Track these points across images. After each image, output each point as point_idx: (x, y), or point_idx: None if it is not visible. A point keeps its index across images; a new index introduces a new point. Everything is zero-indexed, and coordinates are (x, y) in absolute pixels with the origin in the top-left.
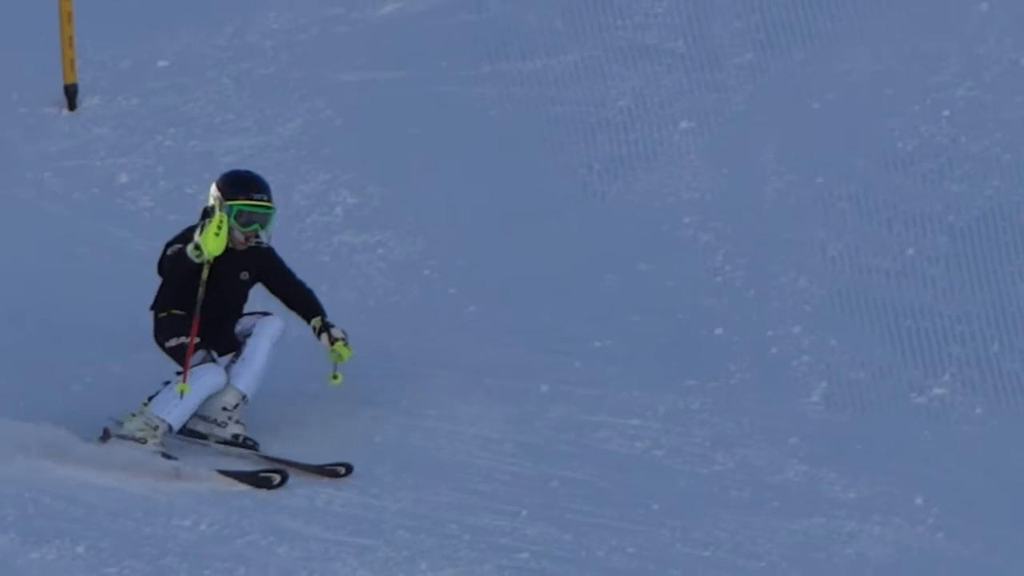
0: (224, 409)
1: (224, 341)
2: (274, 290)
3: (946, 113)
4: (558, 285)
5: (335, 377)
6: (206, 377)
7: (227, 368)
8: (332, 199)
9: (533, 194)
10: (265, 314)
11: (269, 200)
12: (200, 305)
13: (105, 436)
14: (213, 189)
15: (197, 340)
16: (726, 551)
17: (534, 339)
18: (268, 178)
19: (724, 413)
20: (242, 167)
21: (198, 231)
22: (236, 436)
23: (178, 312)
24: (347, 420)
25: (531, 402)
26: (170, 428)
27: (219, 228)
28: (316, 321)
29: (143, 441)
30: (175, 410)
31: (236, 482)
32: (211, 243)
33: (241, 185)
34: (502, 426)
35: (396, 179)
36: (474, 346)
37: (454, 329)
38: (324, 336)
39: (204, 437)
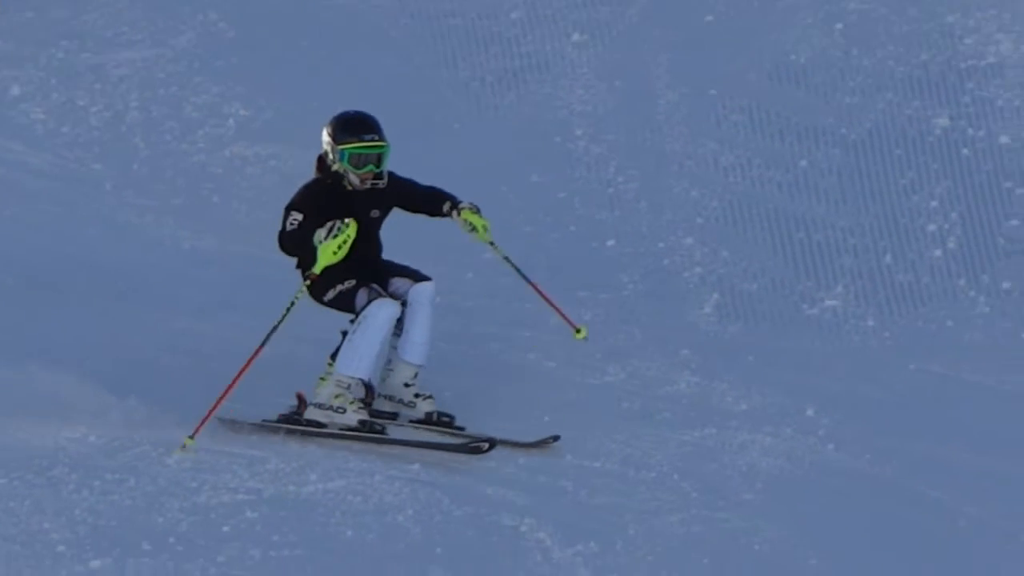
0: (406, 385)
1: (377, 274)
2: (409, 209)
3: (839, 26)
4: None
5: (578, 331)
6: (381, 313)
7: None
8: (225, 111)
9: (427, 107)
10: (414, 277)
11: (381, 139)
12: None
13: (300, 405)
14: (324, 134)
15: (353, 281)
16: (617, 462)
17: (425, 250)
18: (159, 91)
19: (616, 324)
20: (351, 108)
21: (325, 233)
22: (429, 415)
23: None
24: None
25: None
26: (362, 382)
27: (339, 248)
28: (446, 207)
29: (341, 411)
30: (361, 363)
31: (445, 452)
32: (326, 260)
33: (351, 127)
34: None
35: (288, 92)
36: None
37: None
38: (454, 213)
39: (393, 416)
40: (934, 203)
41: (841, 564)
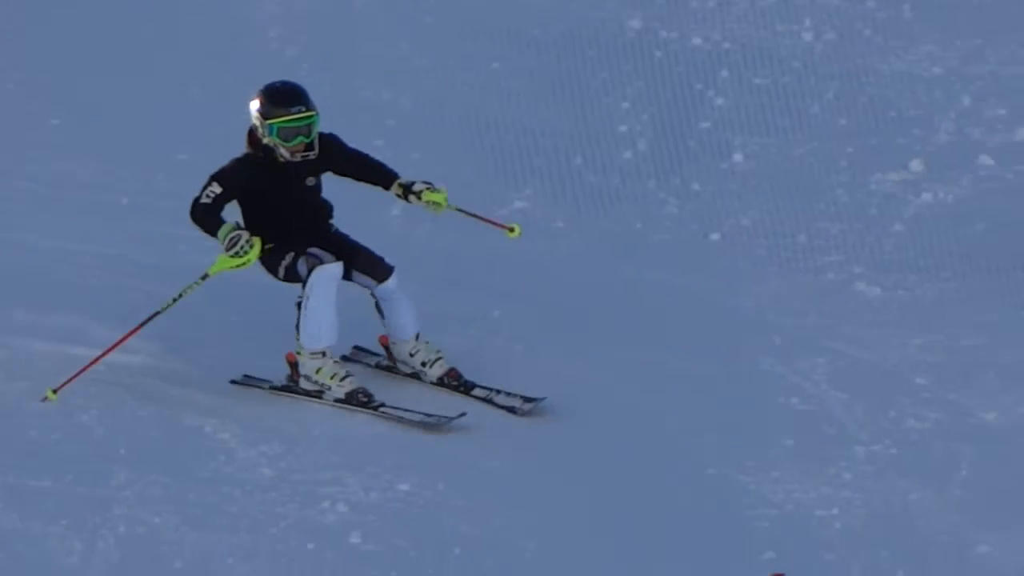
0: (411, 355)
1: (323, 239)
2: (343, 174)
3: None
4: None
5: (512, 231)
6: (321, 278)
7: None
8: None
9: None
10: (375, 275)
11: (309, 109)
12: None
13: (294, 371)
14: (253, 108)
15: (292, 254)
16: None
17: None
18: None
19: None
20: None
21: (228, 244)
22: (440, 379)
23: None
24: None
25: None
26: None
27: (237, 267)
28: (396, 189)
29: (327, 388)
30: (320, 332)
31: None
32: (221, 268)
33: (278, 100)
34: None
35: None
36: None
37: None
38: (412, 197)
39: (418, 378)
40: (625, 104)
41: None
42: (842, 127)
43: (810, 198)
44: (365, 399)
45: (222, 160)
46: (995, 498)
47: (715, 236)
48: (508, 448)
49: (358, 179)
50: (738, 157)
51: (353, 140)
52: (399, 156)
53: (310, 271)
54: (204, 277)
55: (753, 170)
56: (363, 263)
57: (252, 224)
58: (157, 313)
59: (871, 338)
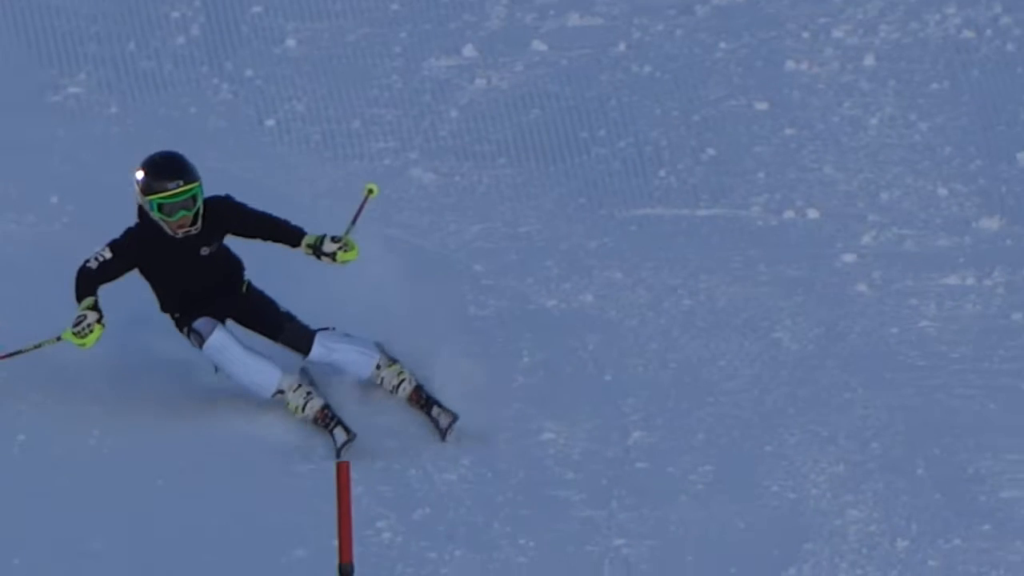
0: (380, 384)
1: (231, 307)
2: (247, 236)
3: None
4: None
5: (371, 191)
6: (214, 345)
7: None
8: None
9: None
10: (298, 345)
11: (186, 181)
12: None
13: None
14: (135, 184)
15: (186, 327)
16: None
17: None
18: None
19: None
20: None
21: (74, 323)
22: (409, 399)
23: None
24: None
25: None
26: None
27: (79, 344)
28: (304, 249)
29: (297, 411)
30: (259, 383)
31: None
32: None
33: (155, 174)
34: None
35: None
36: None
37: None
38: (324, 258)
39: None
40: None
41: None
42: (395, 12)
43: (364, 84)
44: (325, 422)
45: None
46: (557, 385)
47: (270, 122)
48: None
49: (263, 239)
50: (291, 42)
51: None
52: None
53: (202, 346)
54: (58, 339)
55: (306, 55)
56: (286, 338)
57: (157, 292)
58: (19, 352)
59: (428, 225)
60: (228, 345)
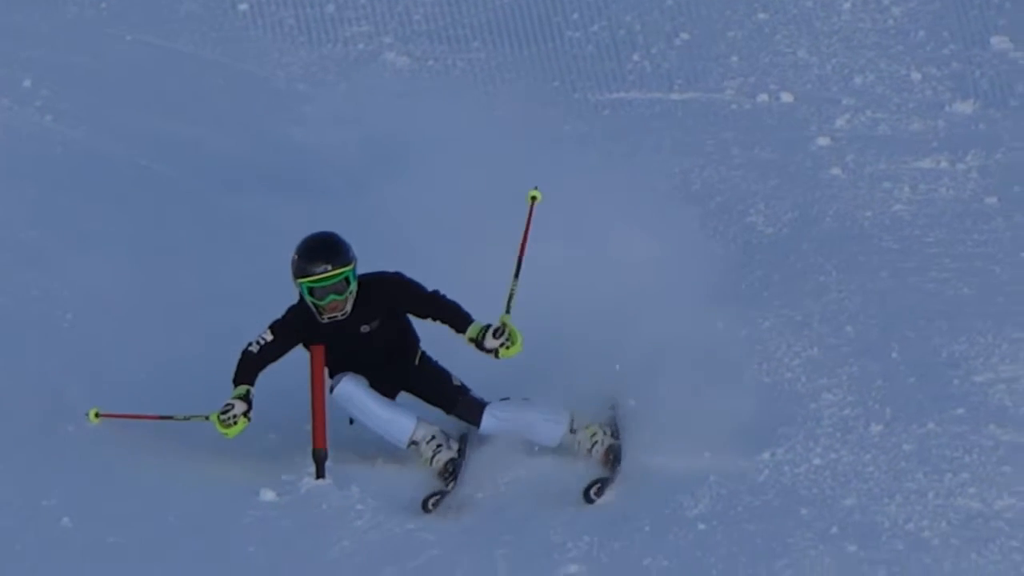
0: (576, 448)
1: (401, 381)
2: (418, 315)
3: None
4: None
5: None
6: (344, 393)
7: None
8: None
9: None
10: (469, 417)
11: (335, 265)
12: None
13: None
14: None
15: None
16: None
17: None
18: None
19: None
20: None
21: (221, 409)
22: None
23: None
24: None
25: None
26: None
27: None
28: (468, 342)
29: (427, 463)
30: (394, 432)
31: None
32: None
33: (304, 258)
34: None
35: None
36: None
37: None
38: (491, 355)
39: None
40: None
41: None
42: None
43: None
44: (444, 476)
45: None
46: None
47: (243, 6)
48: None
49: (433, 319)
50: None
51: None
52: None
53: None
54: (206, 418)
55: None
56: (459, 412)
57: (327, 363)
58: (171, 418)
59: (402, 108)
60: (354, 395)
